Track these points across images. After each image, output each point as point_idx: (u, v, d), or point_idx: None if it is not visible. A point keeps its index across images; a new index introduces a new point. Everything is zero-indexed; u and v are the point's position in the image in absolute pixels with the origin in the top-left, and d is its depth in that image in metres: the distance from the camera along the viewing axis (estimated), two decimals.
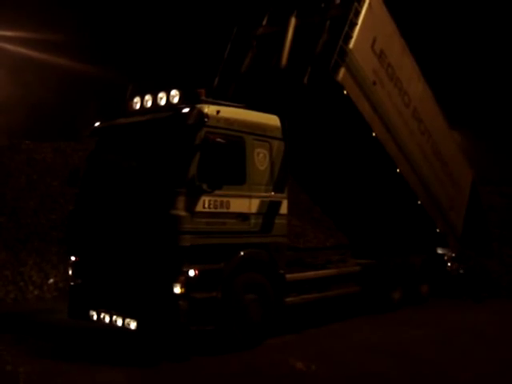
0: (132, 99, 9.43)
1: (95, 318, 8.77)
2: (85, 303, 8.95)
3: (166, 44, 28.85)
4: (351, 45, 9.98)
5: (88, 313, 8.85)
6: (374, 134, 10.92)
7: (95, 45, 29.15)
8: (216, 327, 8.26)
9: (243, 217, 8.69)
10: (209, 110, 8.40)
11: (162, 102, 8.95)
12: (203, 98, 8.67)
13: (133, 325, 8.20)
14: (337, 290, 10.51)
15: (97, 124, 9.57)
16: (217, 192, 8.22)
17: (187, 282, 7.89)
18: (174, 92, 8.83)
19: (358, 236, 13.97)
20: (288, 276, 9.36)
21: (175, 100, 8.79)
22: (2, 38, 25.08)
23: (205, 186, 8.08)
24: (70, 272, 9.30)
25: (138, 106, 9.30)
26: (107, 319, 8.57)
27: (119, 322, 8.39)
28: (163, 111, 8.77)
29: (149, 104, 9.14)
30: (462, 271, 13.96)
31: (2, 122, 25.72)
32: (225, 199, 8.43)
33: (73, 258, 9.26)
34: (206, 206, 8.18)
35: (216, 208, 8.32)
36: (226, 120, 8.64)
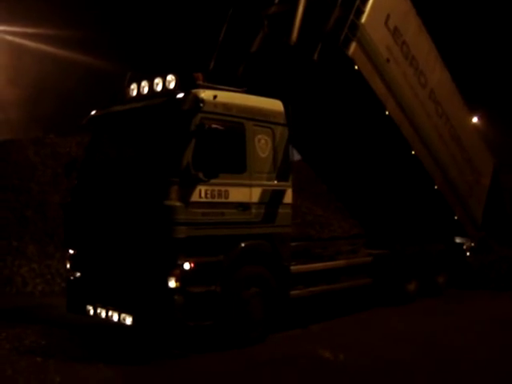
0: (129, 86, 9.07)
1: (92, 312, 8.45)
2: (82, 297, 8.65)
3: (168, 29, 28.55)
4: (363, 19, 9.75)
5: (85, 307, 8.54)
6: (387, 113, 10.56)
7: (111, 40, 29.09)
8: (215, 322, 7.87)
9: (244, 207, 8.28)
10: (205, 94, 7.99)
11: (159, 88, 8.55)
12: (200, 82, 8.26)
13: (128, 320, 7.87)
14: (347, 282, 10.05)
15: (93, 112, 9.21)
16: (214, 181, 7.82)
17: (183, 276, 7.51)
18: (170, 77, 8.42)
19: (372, 224, 13.49)
20: (293, 268, 8.94)
21: (171, 85, 8.38)
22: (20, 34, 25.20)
23: (201, 175, 7.68)
24: (68, 265, 9.01)
25: (134, 93, 8.92)
26: (103, 314, 8.26)
27: (115, 317, 8.06)
28: (159, 97, 8.38)
29: (145, 90, 8.76)
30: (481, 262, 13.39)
31: (26, 117, 25.84)
32: (223, 188, 8.02)
33: (71, 251, 8.95)
34: (203, 195, 7.79)
35: (214, 198, 7.92)
36: (224, 105, 8.22)
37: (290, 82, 10.47)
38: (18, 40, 26.18)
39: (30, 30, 25.85)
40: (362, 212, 13.78)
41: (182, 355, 7.88)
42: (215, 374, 7.15)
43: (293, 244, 9.98)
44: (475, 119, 37.17)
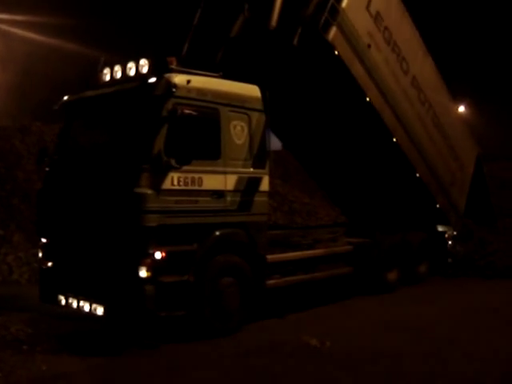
0: (102, 71, 8.83)
1: (63, 302, 8.25)
2: (54, 287, 8.44)
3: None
4: (344, 4, 9.59)
5: (57, 297, 8.34)
6: (367, 99, 10.41)
7: (99, 27, 28.78)
8: (188, 313, 7.70)
9: (218, 194, 8.09)
10: (178, 79, 7.78)
11: (132, 73, 8.31)
12: (173, 66, 8.05)
13: (100, 310, 7.67)
14: (326, 271, 9.89)
15: (65, 98, 8.98)
16: (187, 168, 7.62)
17: (154, 265, 7.33)
18: (143, 61, 8.18)
19: (353, 212, 13.36)
20: (269, 257, 8.77)
21: (144, 70, 8.15)
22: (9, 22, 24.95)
23: (173, 162, 7.48)
24: (41, 254, 8.79)
25: (107, 78, 8.69)
26: (75, 304, 8.04)
27: (86, 308, 7.86)
28: (131, 82, 8.16)
29: (118, 75, 8.52)
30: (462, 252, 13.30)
31: (12, 104, 25.52)
32: (197, 176, 7.83)
33: (43, 240, 8.74)
34: (176, 183, 7.60)
35: (187, 185, 7.73)
36: (199, 90, 8.01)
37: (270, 67, 10.31)
38: (6, 27, 25.88)
39: (18, 18, 25.62)
40: (344, 200, 13.63)
41: (153, 346, 7.69)
42: (186, 365, 7.01)
43: (271, 232, 9.88)
44: (461, 108, 37.28)
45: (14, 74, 25.66)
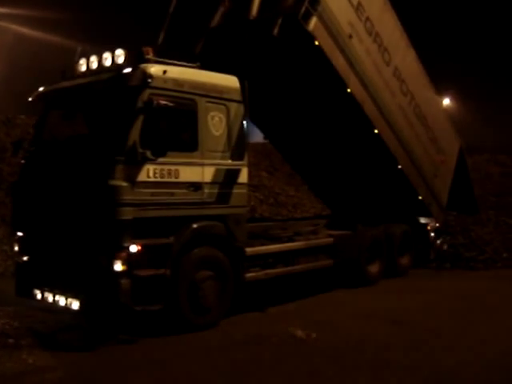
0: (79, 61, 8.68)
1: (39, 296, 8.10)
2: (30, 281, 8.30)
3: None
4: None
5: (33, 291, 8.20)
6: (348, 90, 10.32)
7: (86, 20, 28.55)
8: (165, 307, 7.59)
9: (195, 186, 7.97)
10: (154, 69, 7.65)
11: (108, 63, 8.17)
12: (149, 57, 7.91)
13: (75, 305, 7.54)
14: (306, 263, 9.80)
15: (40, 89, 8.81)
16: (164, 160, 7.51)
17: (129, 259, 7.20)
18: (118, 51, 8.04)
19: (335, 204, 13.29)
20: (248, 250, 8.66)
21: (120, 60, 8.02)
22: None
23: (148, 154, 7.36)
24: (16, 248, 8.64)
25: (84, 68, 8.54)
26: (50, 298, 7.91)
27: (62, 302, 7.72)
28: (107, 73, 8.02)
29: (94, 66, 8.37)
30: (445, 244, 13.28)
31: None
32: (173, 168, 7.71)
33: (19, 234, 8.58)
34: (151, 175, 7.47)
35: (163, 177, 7.60)
36: (175, 81, 7.87)
37: (251, 58, 10.20)
38: None
39: (4, 10, 25.36)
40: (326, 192, 13.56)
41: (130, 341, 7.57)
42: (162, 359, 6.89)
43: (250, 225, 9.79)
44: (446, 101, 37.32)
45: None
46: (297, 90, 10.90)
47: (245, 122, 8.74)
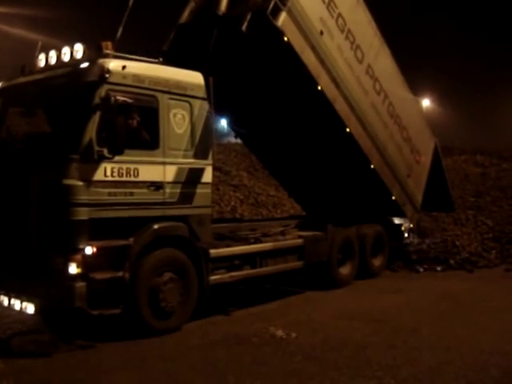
0: (38, 56, 8.39)
1: None
2: None
3: None
4: None
5: None
6: (319, 88, 10.10)
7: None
8: (124, 311, 7.31)
9: (156, 186, 7.71)
10: (112, 64, 7.38)
11: (66, 58, 7.90)
12: (108, 51, 7.64)
13: (30, 309, 7.22)
14: (274, 265, 9.53)
15: None
16: (122, 158, 7.25)
17: (85, 261, 6.93)
18: (77, 46, 7.78)
19: (307, 204, 13.06)
20: (212, 251, 8.39)
21: (79, 55, 7.75)
22: None
23: (105, 152, 7.09)
24: None
25: (43, 64, 8.25)
26: (6, 302, 7.60)
27: (17, 306, 7.39)
28: (65, 68, 7.74)
29: (53, 61, 8.08)
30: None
31: None
32: (132, 166, 7.44)
33: None
34: (109, 174, 7.21)
35: (122, 176, 7.34)
36: (135, 76, 7.61)
37: (220, 56, 9.93)
38: None
39: None
40: (299, 191, 13.33)
41: (87, 346, 7.28)
42: (119, 365, 6.62)
43: (218, 226, 9.55)
44: (426, 102, 37.35)
45: None
46: (267, 88, 10.66)
47: (210, 120, 8.46)
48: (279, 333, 7.55)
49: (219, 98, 11.15)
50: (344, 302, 9.71)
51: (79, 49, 7.75)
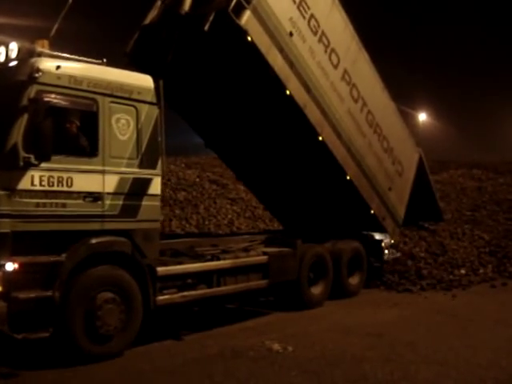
0: None
1: None
2: None
3: None
4: None
5: None
6: (288, 93, 9.48)
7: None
8: (54, 334, 6.60)
9: (94, 197, 7.03)
10: (44, 64, 6.77)
11: (2, 58, 7.29)
12: (43, 50, 7.04)
13: None
14: (235, 284, 8.79)
15: None
16: (52, 166, 6.63)
17: (6, 278, 6.28)
18: (12, 45, 7.19)
19: (285, 218, 12.33)
20: (160, 269, 7.67)
21: (13, 54, 7.14)
22: None
23: (32, 159, 6.43)
24: None
25: None
26: None
27: None
28: None
29: None
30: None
31: None
32: (65, 175, 6.77)
33: None
34: (37, 182, 6.55)
35: (52, 186, 6.67)
36: (72, 78, 6.97)
37: (184, 58, 9.38)
38: None
39: None
40: (272, 203, 12.62)
41: (9, 375, 6.54)
42: None
43: (175, 241, 8.87)
44: (423, 116, 36.68)
45: None
46: (234, 93, 10.09)
47: (159, 127, 7.80)
48: (276, 346, 7.50)
49: (184, 104, 10.55)
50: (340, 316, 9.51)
51: (14, 48, 7.16)
